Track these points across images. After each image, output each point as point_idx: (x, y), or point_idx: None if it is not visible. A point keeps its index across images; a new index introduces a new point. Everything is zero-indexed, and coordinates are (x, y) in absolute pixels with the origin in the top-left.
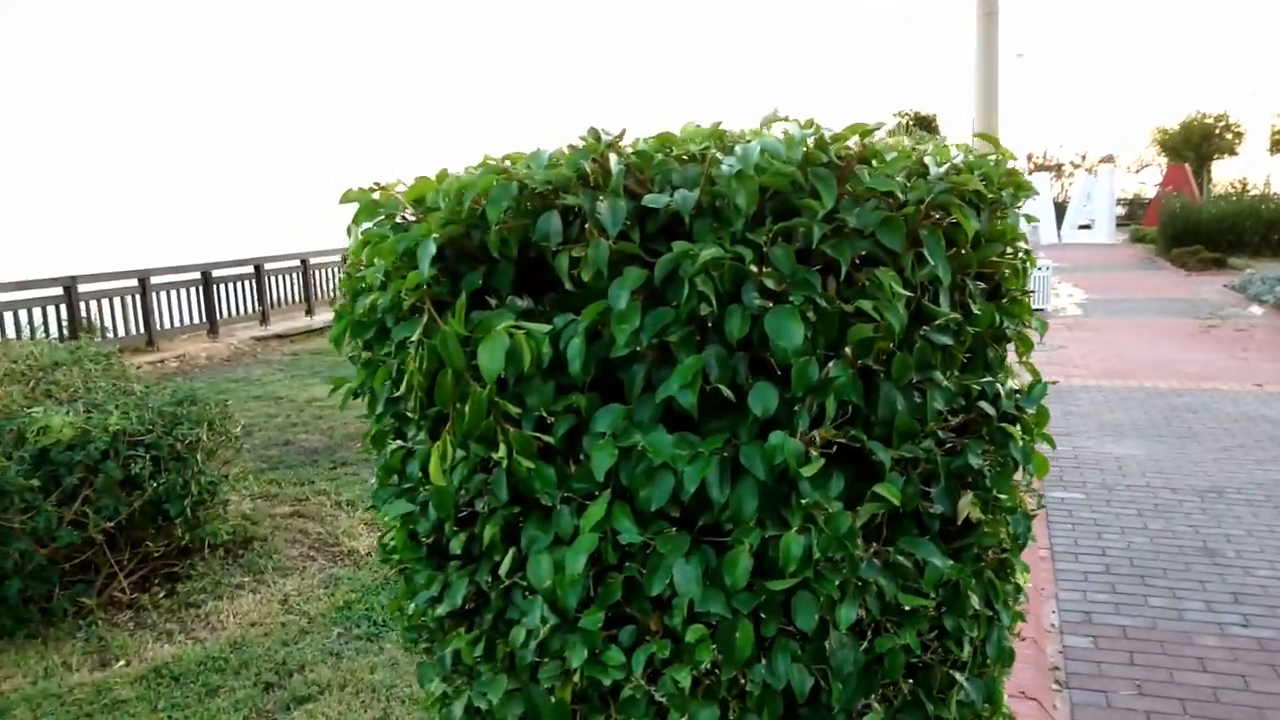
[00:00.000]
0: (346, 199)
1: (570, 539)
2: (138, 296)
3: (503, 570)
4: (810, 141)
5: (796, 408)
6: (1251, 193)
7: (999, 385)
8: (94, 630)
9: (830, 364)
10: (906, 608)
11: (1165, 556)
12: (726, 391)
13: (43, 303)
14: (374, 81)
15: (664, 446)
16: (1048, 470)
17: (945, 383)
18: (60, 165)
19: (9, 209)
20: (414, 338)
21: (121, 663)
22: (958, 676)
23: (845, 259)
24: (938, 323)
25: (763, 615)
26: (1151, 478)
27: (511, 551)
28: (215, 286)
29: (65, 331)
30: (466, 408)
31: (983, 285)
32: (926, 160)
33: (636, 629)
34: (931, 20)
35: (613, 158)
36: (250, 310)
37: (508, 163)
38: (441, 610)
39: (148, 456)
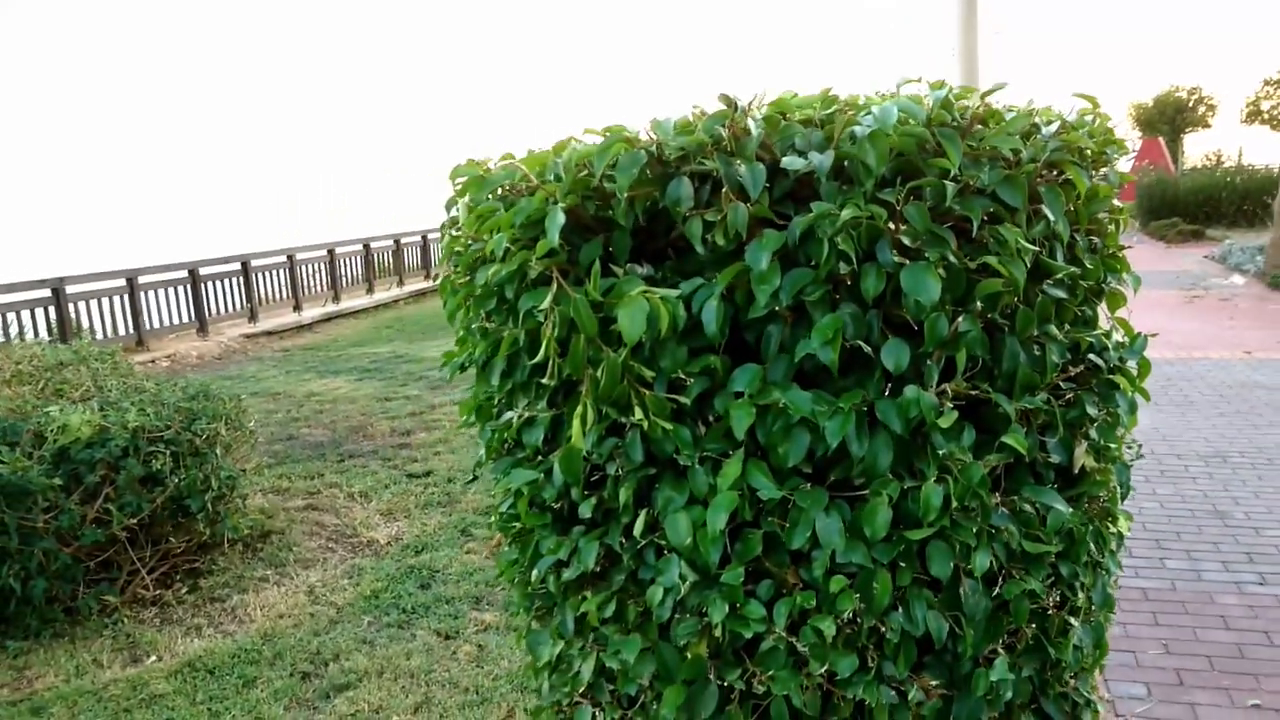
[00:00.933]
0: (456, 174)
1: (705, 498)
2: (126, 296)
3: (637, 531)
4: (933, 102)
5: (928, 362)
6: (1225, 164)
7: (1104, 339)
8: (120, 627)
9: (959, 319)
10: (1031, 554)
11: (1177, 520)
12: (866, 348)
13: (30, 305)
14: (362, 77)
15: (803, 403)
16: (1138, 422)
17: (1060, 336)
18: (44, 166)
19: None
20: (543, 306)
21: (153, 658)
22: (1072, 621)
23: (976, 216)
24: (1056, 278)
25: (900, 565)
26: (1155, 444)
27: (644, 513)
28: (203, 285)
29: (55, 334)
30: (600, 372)
31: (1093, 240)
32: (1037, 120)
33: (773, 583)
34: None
35: (750, 122)
36: (239, 308)
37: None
38: (569, 574)
39: (168, 452)
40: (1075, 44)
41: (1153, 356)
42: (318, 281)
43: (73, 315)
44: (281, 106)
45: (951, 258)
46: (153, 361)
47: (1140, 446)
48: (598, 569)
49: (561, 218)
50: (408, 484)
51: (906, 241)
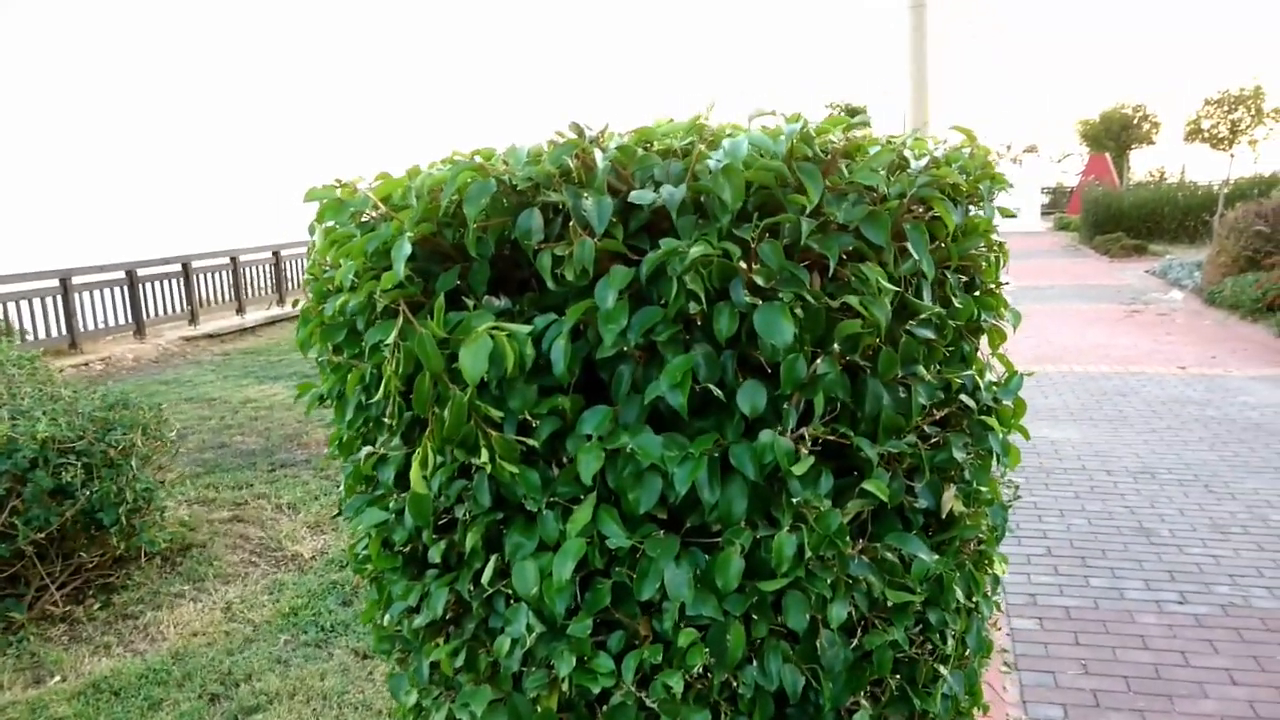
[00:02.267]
0: (311, 197)
1: (555, 545)
2: (59, 297)
3: (485, 579)
4: (794, 136)
5: (785, 405)
6: (1168, 180)
7: (978, 378)
8: (25, 646)
9: (818, 361)
10: (893, 604)
11: (1103, 537)
12: (717, 391)
13: None
14: (321, 76)
15: (653, 448)
16: (1019, 461)
17: (928, 377)
18: None
19: None
20: (389, 340)
21: (56, 679)
22: (941, 670)
23: (834, 255)
24: (922, 317)
25: (753, 616)
26: (1087, 460)
27: (494, 559)
28: (141, 286)
29: None
30: (446, 412)
31: (963, 278)
32: (906, 153)
33: (625, 634)
34: (859, 10)
35: (598, 153)
36: (179, 310)
37: (478, 159)
38: (420, 621)
39: (79, 464)
40: (1024, 59)
41: (1091, 371)
42: (262, 283)
43: (1, 316)
44: (222, 101)
45: (809, 297)
46: (86, 364)
47: (1018, 487)
48: (449, 616)
49: (409, 248)
50: (338, 495)
51: (760, 281)
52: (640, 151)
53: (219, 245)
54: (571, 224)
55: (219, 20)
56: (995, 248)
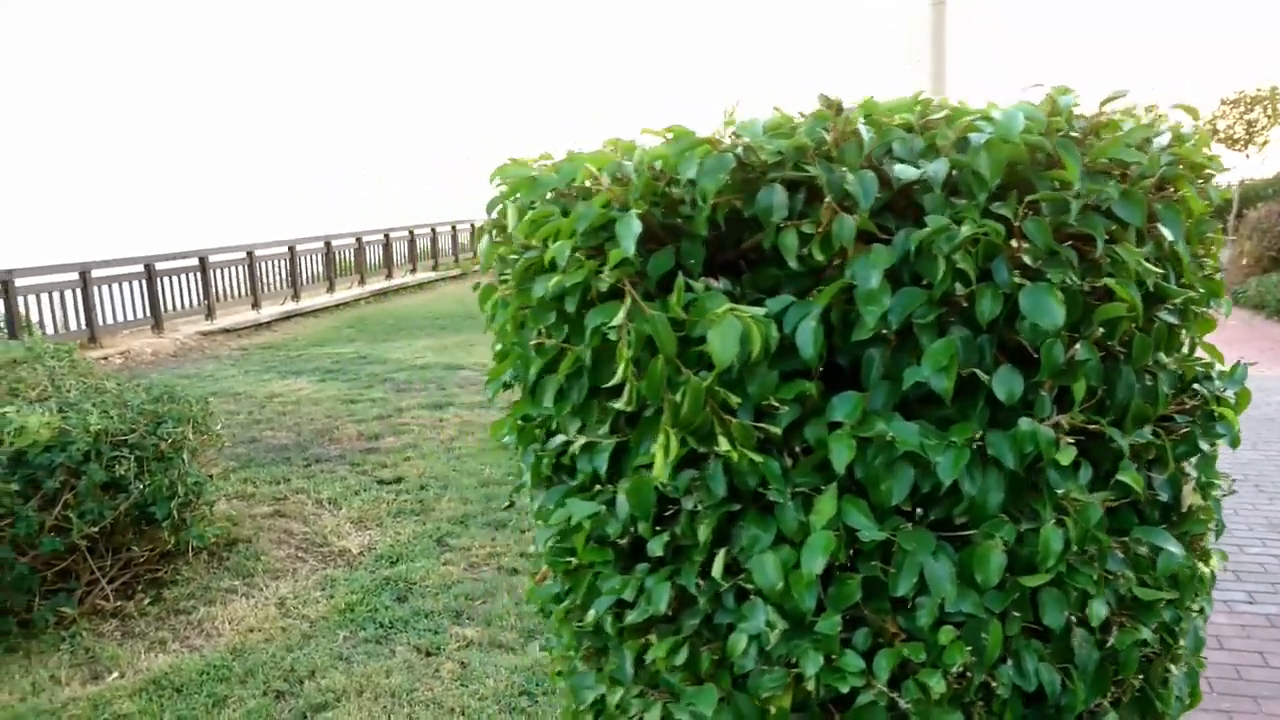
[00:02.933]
0: (503, 174)
1: (794, 537)
2: (79, 291)
3: (716, 571)
4: (1052, 109)
5: (1040, 392)
6: None
7: (1209, 367)
8: (79, 641)
9: (1076, 346)
10: (1142, 601)
11: None
12: (984, 377)
13: None
14: (335, 74)
15: (911, 436)
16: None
17: (1171, 365)
18: None
19: None
20: (615, 322)
21: (115, 675)
22: (1172, 669)
23: (1100, 234)
24: (1172, 303)
25: (1014, 613)
26: None
27: (722, 551)
28: (158, 280)
29: (3, 328)
30: (681, 397)
31: (1209, 262)
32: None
33: (870, 631)
34: (861, 9)
35: (863, 127)
36: (195, 304)
37: (700, 134)
38: (635, 616)
39: (132, 457)
40: (1026, 62)
41: None
42: (278, 279)
43: (21, 310)
44: (256, 103)
45: (1071, 279)
46: (105, 359)
47: (1233, 481)
48: (669, 612)
49: (638, 225)
50: (378, 491)
51: (1028, 260)
52: (880, 127)
53: (232, 240)
54: (827, 200)
55: (231, 17)
56: (1216, 232)
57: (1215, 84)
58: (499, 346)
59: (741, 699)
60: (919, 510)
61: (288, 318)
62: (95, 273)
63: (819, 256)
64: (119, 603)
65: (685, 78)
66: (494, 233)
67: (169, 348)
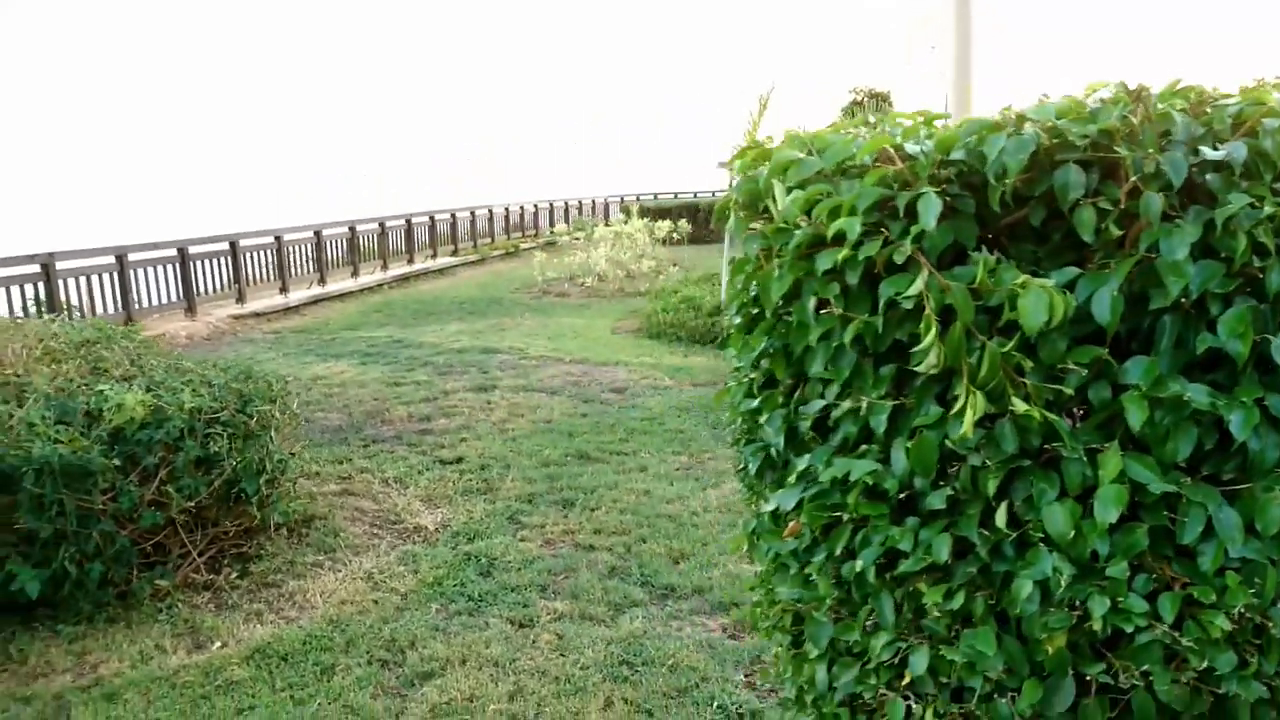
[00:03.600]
0: (778, 157)
1: (1077, 490)
2: (115, 274)
3: (1000, 522)
4: None
5: None
6: None
7: None
8: (176, 613)
9: None
10: None
11: None
12: (1278, 341)
13: (20, 281)
14: (337, 70)
15: (1203, 397)
16: None
17: None
18: (36, 144)
19: None
20: (910, 293)
21: (218, 644)
22: None
23: None
24: None
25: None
26: None
27: (1003, 505)
28: (191, 264)
29: (43, 310)
30: (980, 361)
31: None
32: None
33: (1148, 577)
34: (861, 7)
35: (1175, 111)
36: (225, 288)
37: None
38: (910, 565)
39: (225, 435)
40: (1025, 62)
41: None
42: (303, 263)
43: (61, 292)
44: (280, 90)
45: None
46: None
47: None
48: (947, 561)
49: (938, 203)
50: (441, 470)
51: None
52: (1173, 111)
53: (257, 225)
54: (1132, 179)
55: (258, 18)
56: None
57: (1218, 79)
58: (740, 318)
59: (1009, 641)
60: (1192, 466)
61: (315, 302)
62: (131, 256)
63: (1115, 231)
64: (209, 576)
65: (685, 78)
66: (742, 211)
67: (203, 331)
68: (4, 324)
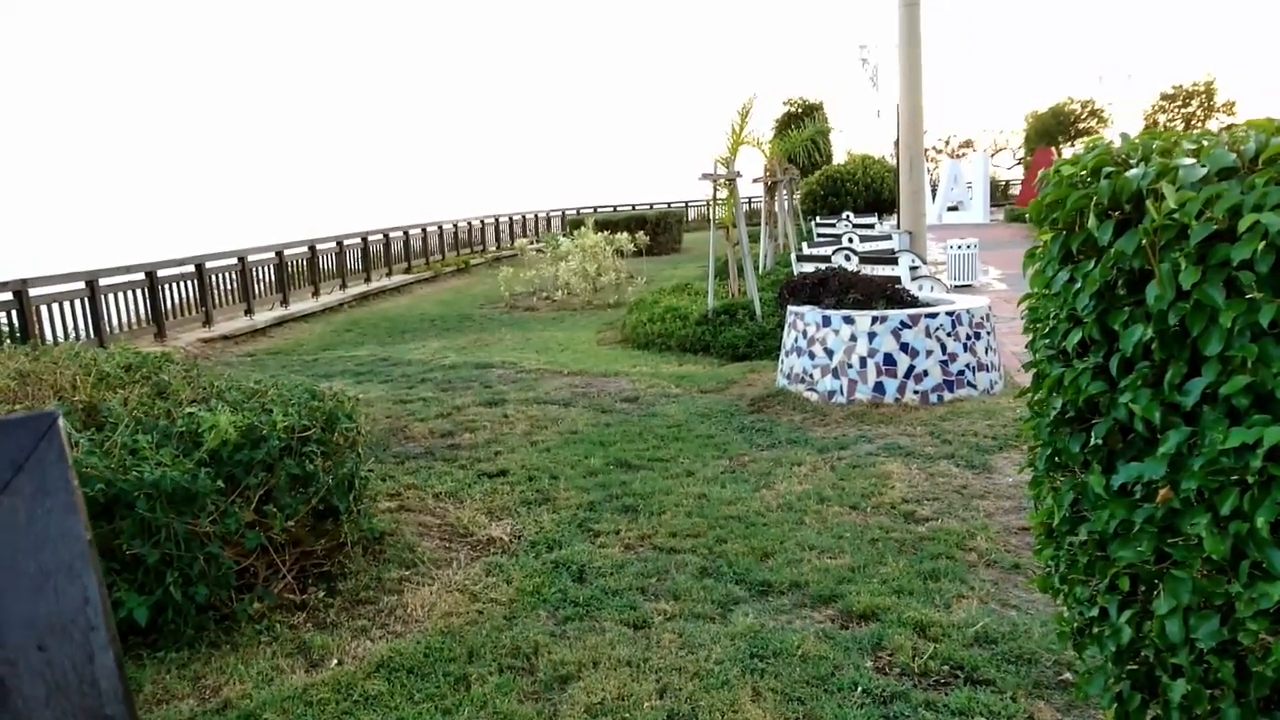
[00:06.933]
0: (1168, 170)
1: None
2: (87, 299)
3: None
4: None
5: None
6: None
7: None
8: (277, 633)
9: None
10: None
11: None
12: None
13: None
14: (331, 84)
15: None
16: None
17: None
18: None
19: None
20: None
21: (334, 662)
22: None
23: None
24: None
25: None
26: None
27: None
28: (160, 287)
29: (17, 337)
30: None
31: None
32: None
33: None
34: (814, 11)
35: None
36: (192, 311)
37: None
38: None
39: (319, 453)
40: (967, 59)
41: None
42: (266, 284)
43: (33, 319)
44: (241, 113)
45: None
46: None
47: None
48: None
49: None
50: (489, 483)
51: None
52: None
53: (225, 245)
54: None
55: (228, 24)
56: None
57: (1158, 72)
58: (1092, 303)
59: None
60: None
61: (280, 323)
62: (102, 281)
63: None
64: (300, 596)
65: (682, 79)
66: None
67: (174, 355)
68: (42, 352)
